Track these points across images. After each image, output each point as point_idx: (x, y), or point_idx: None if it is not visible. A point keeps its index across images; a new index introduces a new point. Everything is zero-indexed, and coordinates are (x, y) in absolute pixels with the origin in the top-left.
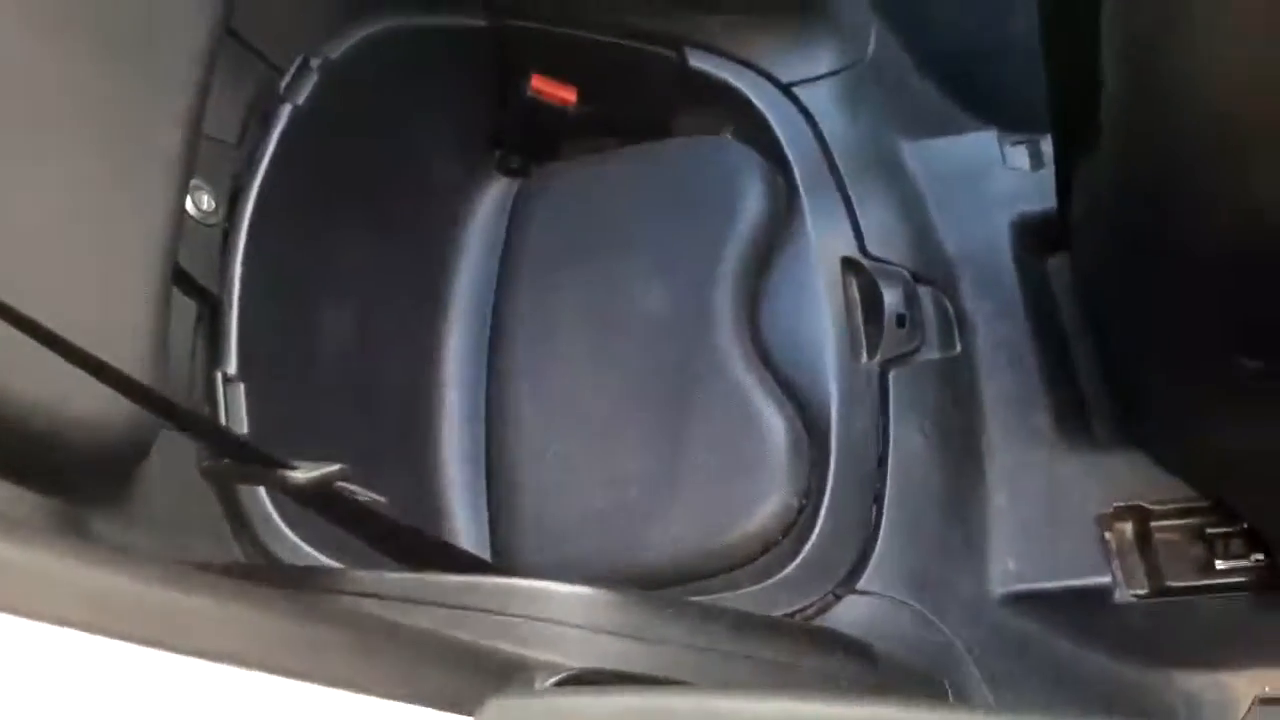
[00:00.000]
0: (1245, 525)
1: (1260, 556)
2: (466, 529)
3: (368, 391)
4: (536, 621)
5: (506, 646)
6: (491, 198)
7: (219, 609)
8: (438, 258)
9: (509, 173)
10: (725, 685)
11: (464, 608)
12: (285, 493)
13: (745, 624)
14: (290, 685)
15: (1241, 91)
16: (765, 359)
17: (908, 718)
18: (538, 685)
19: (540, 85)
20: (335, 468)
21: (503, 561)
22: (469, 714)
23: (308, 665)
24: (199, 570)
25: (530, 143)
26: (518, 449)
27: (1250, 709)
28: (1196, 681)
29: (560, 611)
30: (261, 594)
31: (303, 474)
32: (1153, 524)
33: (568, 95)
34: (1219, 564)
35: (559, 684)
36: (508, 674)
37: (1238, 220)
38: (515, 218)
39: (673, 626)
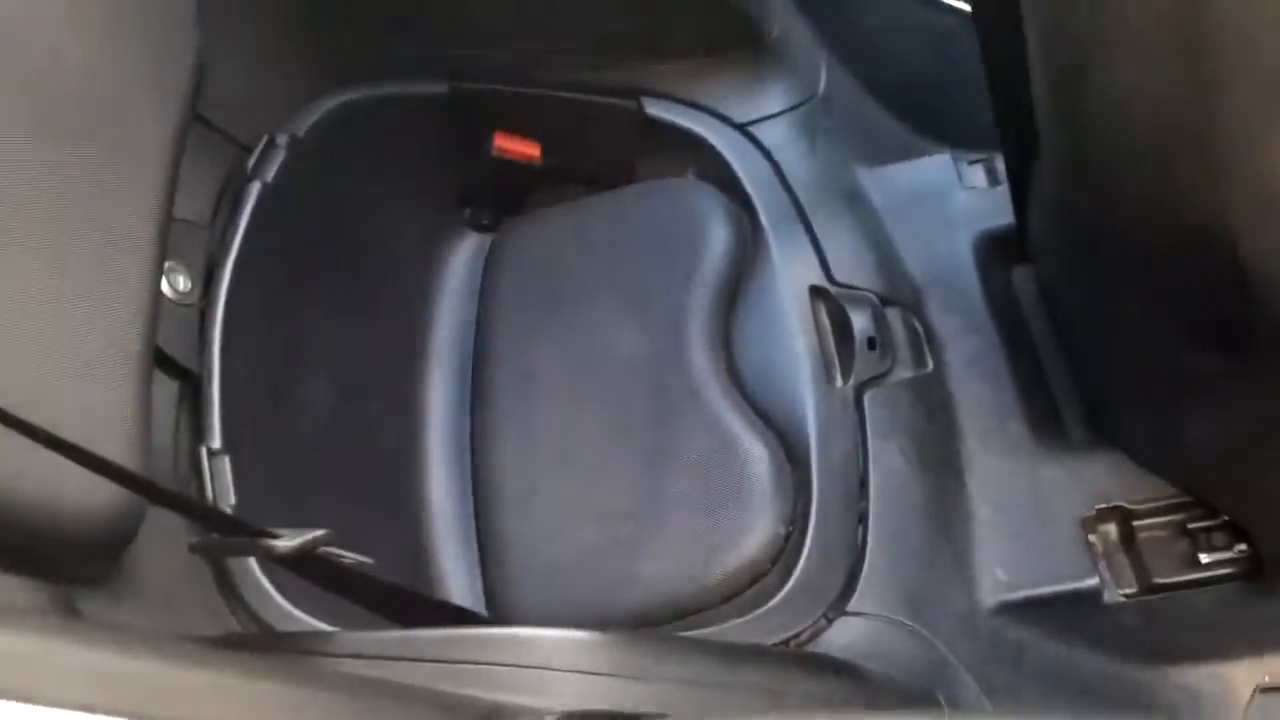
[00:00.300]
0: (1226, 518)
1: (1243, 547)
2: (458, 579)
3: (353, 453)
4: (521, 669)
5: (492, 695)
6: (464, 254)
7: (208, 679)
8: (415, 317)
9: (480, 228)
10: (713, 715)
11: (450, 661)
12: (272, 561)
13: (732, 654)
14: None
15: (1155, 111)
16: (742, 390)
17: None
18: None
19: (503, 144)
20: (318, 533)
21: (496, 608)
22: None
23: None
24: (189, 643)
25: (498, 199)
26: (504, 496)
27: (1252, 698)
28: (1195, 675)
29: (544, 657)
30: (250, 662)
31: (286, 542)
32: (1136, 523)
33: (531, 151)
34: (1203, 557)
35: None
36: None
37: (1167, 229)
38: (488, 272)
39: (659, 662)
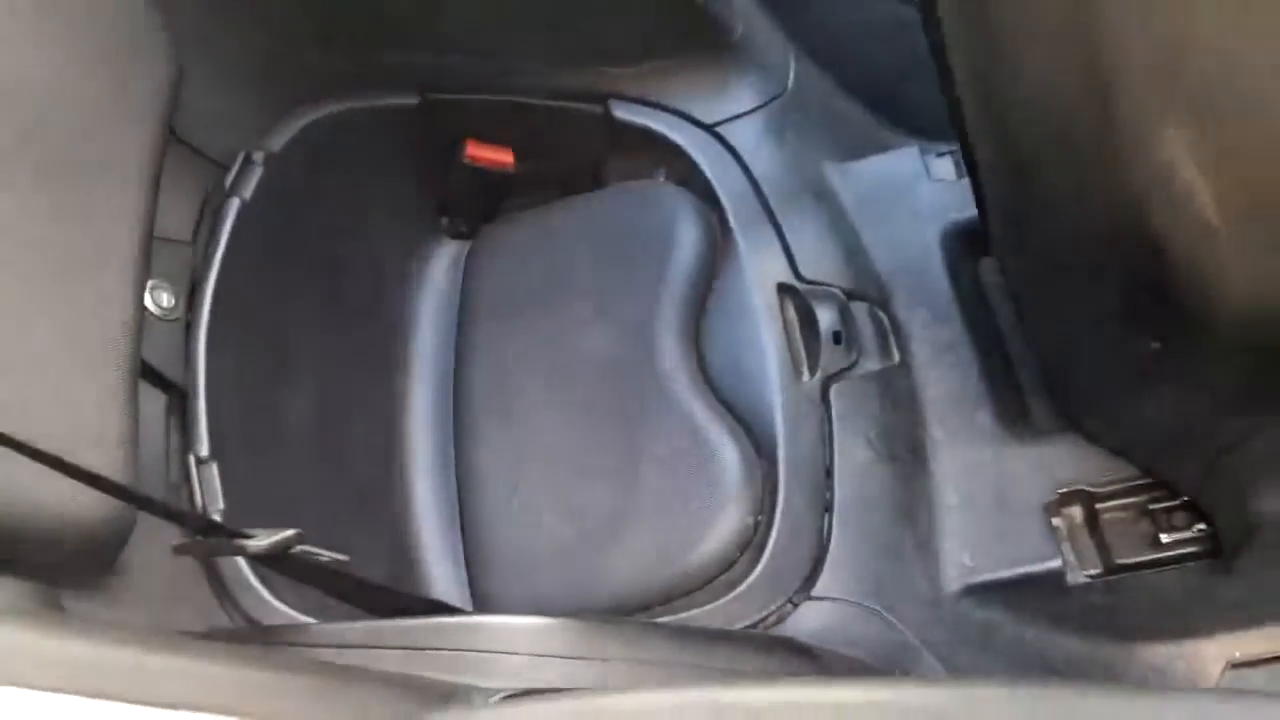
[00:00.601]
0: (1186, 498)
1: (1203, 527)
2: (444, 576)
3: (338, 456)
4: (482, 653)
5: (454, 678)
6: (442, 261)
7: (184, 665)
8: (396, 324)
9: (458, 236)
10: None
11: (417, 648)
12: (250, 559)
13: (685, 636)
14: None
15: (1064, 109)
16: (712, 387)
17: (810, 692)
18: (476, 703)
19: (476, 152)
20: (289, 533)
21: (481, 604)
22: None
23: (257, 708)
24: (174, 635)
25: (474, 206)
26: (486, 496)
27: (1223, 675)
28: (1165, 652)
29: (503, 642)
30: (227, 650)
31: (259, 541)
32: (1098, 506)
33: (504, 158)
34: (1164, 538)
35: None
36: (450, 698)
37: (1089, 220)
38: (466, 278)
39: (611, 644)
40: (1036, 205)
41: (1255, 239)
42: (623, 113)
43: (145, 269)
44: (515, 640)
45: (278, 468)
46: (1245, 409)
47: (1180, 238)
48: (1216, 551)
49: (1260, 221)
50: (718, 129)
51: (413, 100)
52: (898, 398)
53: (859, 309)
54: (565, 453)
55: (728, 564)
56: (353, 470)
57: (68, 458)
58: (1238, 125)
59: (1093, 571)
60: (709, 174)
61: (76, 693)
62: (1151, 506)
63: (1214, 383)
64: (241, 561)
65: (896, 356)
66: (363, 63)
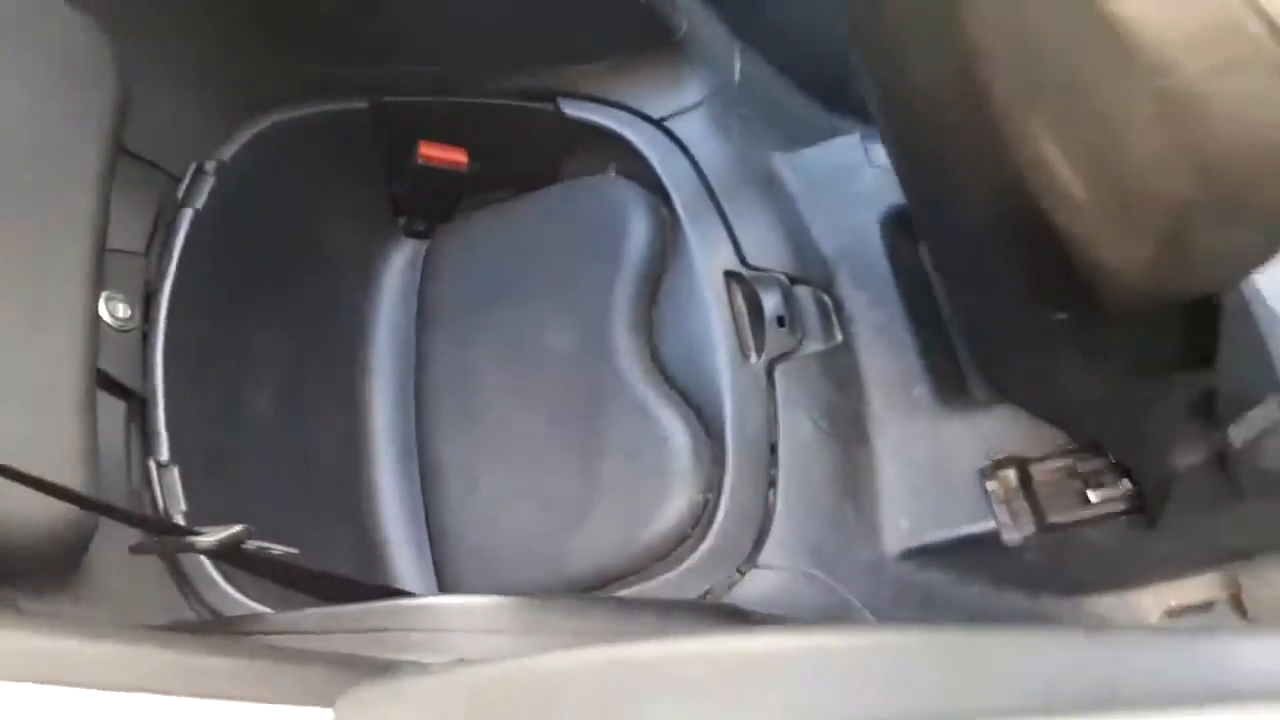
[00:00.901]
0: (1113, 459)
1: (1128, 485)
2: (411, 570)
3: (302, 456)
4: (427, 632)
5: (398, 655)
6: (400, 261)
7: (122, 650)
8: (355, 325)
9: (416, 235)
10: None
11: (367, 630)
12: (204, 555)
13: (625, 607)
14: (173, 702)
15: (952, 104)
16: (665, 373)
17: (718, 641)
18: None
19: (429, 152)
20: (239, 528)
21: (447, 593)
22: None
23: (187, 687)
24: (120, 627)
25: (430, 206)
26: (449, 489)
27: (1160, 621)
28: (1106, 603)
29: (447, 620)
30: (171, 638)
31: (208, 538)
32: (1031, 469)
33: (458, 157)
34: (1093, 497)
35: None
36: (387, 672)
37: (986, 205)
38: (425, 276)
39: (553, 618)
40: (942, 193)
41: (1118, 223)
42: (573, 110)
43: (99, 281)
44: (461, 619)
45: (240, 469)
46: (1152, 371)
47: (1061, 220)
48: (1141, 508)
49: (1121, 206)
50: (666, 123)
51: (363, 104)
52: (840, 376)
53: (803, 293)
54: (526, 444)
55: (681, 539)
56: (317, 469)
57: (26, 468)
58: (1076, 113)
59: (1027, 531)
60: (657, 167)
61: (13, 679)
62: (1081, 468)
63: (1119, 349)
64: (204, 559)
65: (839, 337)
66: (312, 70)
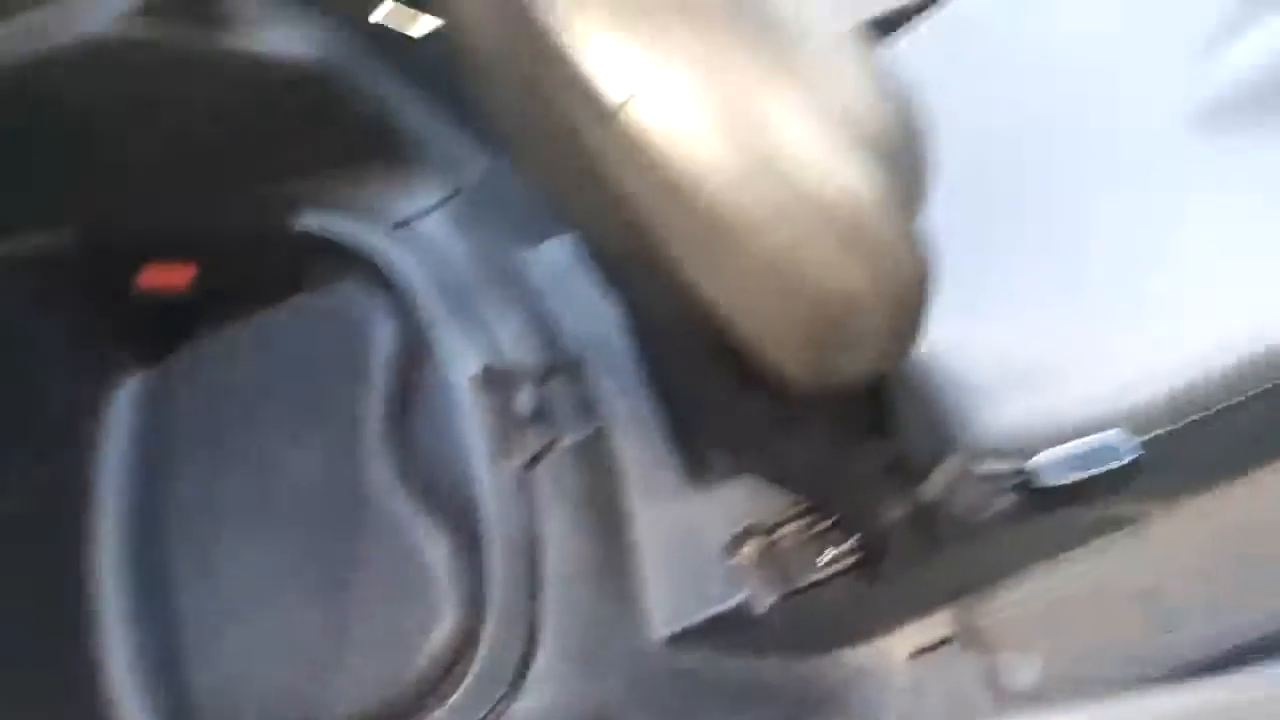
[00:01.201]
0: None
1: (854, 542)
2: None
3: (19, 617)
4: None
5: None
6: (125, 398)
7: None
8: (75, 474)
9: (146, 365)
10: None
11: None
12: None
13: None
14: None
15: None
16: (422, 485)
17: None
18: None
19: (149, 281)
20: None
21: None
22: None
23: None
24: None
25: (155, 335)
26: (188, 644)
27: (909, 661)
28: (860, 654)
29: None
30: None
31: None
32: (771, 537)
33: (179, 280)
34: (821, 558)
35: None
36: None
37: (674, 315)
38: (152, 414)
39: None
40: (636, 296)
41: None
42: (307, 222)
43: None
44: None
45: None
46: (847, 442)
47: (735, 332)
48: (866, 560)
49: (780, 324)
50: (406, 227)
51: (69, 237)
52: (598, 465)
53: (557, 385)
54: (275, 584)
55: (451, 664)
56: (40, 632)
57: None
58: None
59: (772, 599)
60: (398, 273)
61: None
62: (815, 529)
63: (817, 423)
64: None
65: (593, 427)
66: (11, 204)
